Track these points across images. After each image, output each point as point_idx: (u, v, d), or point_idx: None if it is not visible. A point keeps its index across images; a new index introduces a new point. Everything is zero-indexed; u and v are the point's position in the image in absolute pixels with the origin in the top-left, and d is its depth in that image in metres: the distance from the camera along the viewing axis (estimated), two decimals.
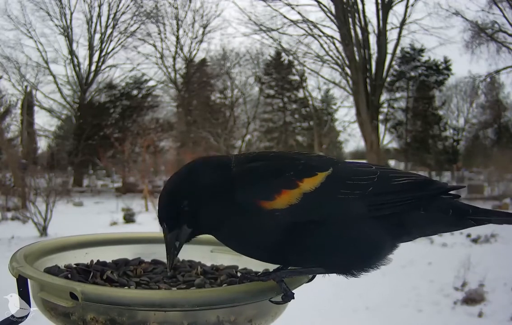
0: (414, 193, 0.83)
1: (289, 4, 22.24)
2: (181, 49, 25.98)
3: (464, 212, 0.84)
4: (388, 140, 28.52)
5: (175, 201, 0.80)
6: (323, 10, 21.71)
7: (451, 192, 0.87)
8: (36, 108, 26.52)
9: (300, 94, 28.35)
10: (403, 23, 22.02)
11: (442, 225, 0.87)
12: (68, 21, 25.52)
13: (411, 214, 0.82)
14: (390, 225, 0.80)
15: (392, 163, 30.50)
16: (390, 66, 22.89)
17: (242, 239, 0.82)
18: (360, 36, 21.19)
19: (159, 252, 1.02)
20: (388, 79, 24.36)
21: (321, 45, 22.46)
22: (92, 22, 25.68)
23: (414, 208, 0.82)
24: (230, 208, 0.78)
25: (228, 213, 0.79)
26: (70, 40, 25.56)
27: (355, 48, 20.66)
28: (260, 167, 0.82)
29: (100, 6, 25.59)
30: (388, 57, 22.24)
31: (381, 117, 25.23)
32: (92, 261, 0.92)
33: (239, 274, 0.92)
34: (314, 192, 0.77)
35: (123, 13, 25.40)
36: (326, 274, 0.82)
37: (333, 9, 21.26)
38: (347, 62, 21.30)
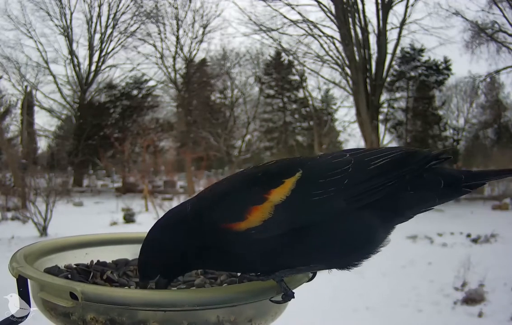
0: (396, 172, 0.77)
1: (289, 4, 22.23)
2: (181, 49, 25.96)
3: (456, 180, 0.80)
4: (388, 140, 28.48)
5: (146, 270, 0.80)
6: (323, 10, 21.71)
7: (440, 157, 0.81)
8: (36, 108, 26.50)
9: (300, 94, 28.34)
10: (403, 23, 22.01)
11: (435, 199, 0.81)
12: (68, 21, 25.52)
13: (399, 195, 0.77)
14: (379, 211, 0.76)
15: None
16: (390, 66, 22.88)
17: (229, 265, 0.81)
18: (360, 36, 21.18)
19: None
20: (388, 79, 24.34)
21: (321, 45, 22.45)
22: (92, 22, 25.68)
23: (400, 188, 0.77)
24: (203, 246, 0.77)
25: (203, 252, 0.78)
26: (70, 40, 25.56)
27: (355, 48, 20.65)
28: (221, 193, 0.79)
29: (100, 6, 25.59)
30: (388, 57, 22.24)
31: (381, 117, 25.22)
32: (92, 261, 0.92)
33: (239, 274, 0.92)
34: (286, 201, 0.73)
35: (123, 13, 25.39)
36: (328, 270, 0.80)
37: (333, 9, 21.25)
38: (347, 62, 21.29)
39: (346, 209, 0.74)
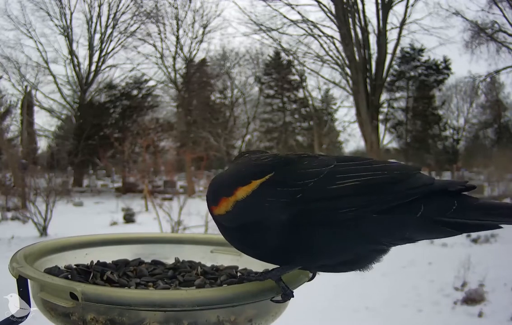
0: (364, 199, 0.68)
1: (289, 4, 22.27)
2: (181, 49, 25.98)
3: (443, 209, 0.66)
4: (388, 140, 28.54)
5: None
6: (323, 10, 21.75)
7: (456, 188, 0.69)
8: (36, 108, 26.50)
9: (300, 94, 28.38)
10: (403, 23, 22.04)
11: (405, 233, 0.70)
12: (68, 21, 25.54)
13: (364, 220, 0.68)
14: (343, 230, 0.69)
15: None
16: (390, 66, 22.90)
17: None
18: (360, 36, 21.20)
19: (159, 253, 1.02)
20: (388, 79, 24.37)
21: (321, 45, 22.50)
22: (92, 22, 25.70)
23: (368, 212, 0.68)
24: None
25: None
26: (70, 40, 25.57)
27: (355, 48, 20.66)
28: (217, 177, 0.87)
29: (100, 6, 25.60)
30: (388, 57, 22.28)
31: (381, 117, 25.26)
32: (92, 261, 0.92)
33: (239, 274, 0.92)
34: (245, 199, 0.75)
35: (123, 13, 25.41)
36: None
37: (333, 9, 21.28)
38: (347, 62, 21.31)
39: (292, 221, 0.71)
